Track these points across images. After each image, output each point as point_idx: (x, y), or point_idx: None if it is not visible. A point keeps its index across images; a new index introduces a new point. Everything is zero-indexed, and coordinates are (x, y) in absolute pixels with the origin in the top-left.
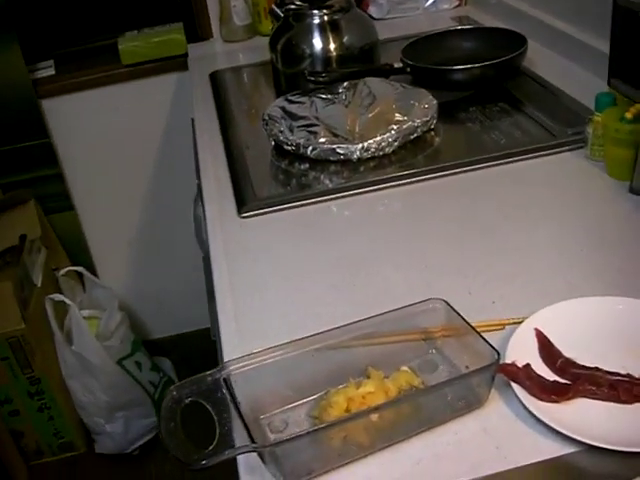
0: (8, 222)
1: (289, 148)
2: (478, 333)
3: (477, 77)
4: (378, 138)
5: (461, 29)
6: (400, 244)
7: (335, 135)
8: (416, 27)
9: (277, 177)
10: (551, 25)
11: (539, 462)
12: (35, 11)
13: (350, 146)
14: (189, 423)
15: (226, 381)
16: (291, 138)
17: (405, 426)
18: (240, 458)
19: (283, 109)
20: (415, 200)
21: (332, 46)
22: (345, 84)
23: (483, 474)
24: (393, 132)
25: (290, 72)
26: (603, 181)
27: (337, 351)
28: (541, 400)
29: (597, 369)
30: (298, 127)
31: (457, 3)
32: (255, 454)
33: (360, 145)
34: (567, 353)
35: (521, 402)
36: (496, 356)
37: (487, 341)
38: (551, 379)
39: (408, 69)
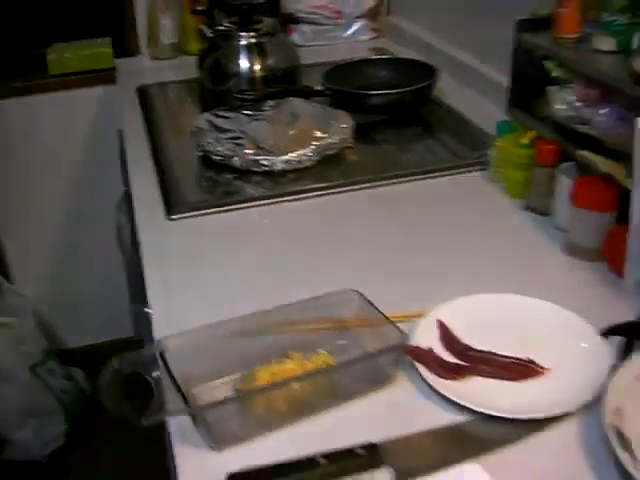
0: None
1: (216, 158)
2: (387, 318)
3: (392, 102)
4: (299, 152)
5: (378, 58)
6: (316, 247)
7: (259, 148)
8: (337, 54)
9: (204, 185)
10: (459, 59)
11: (439, 427)
12: None
13: (273, 158)
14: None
15: (162, 354)
16: (218, 149)
17: (322, 399)
18: (174, 431)
19: (210, 122)
20: (331, 209)
21: (257, 67)
22: (270, 102)
23: (392, 436)
24: (313, 147)
25: (217, 89)
26: (502, 199)
27: (261, 337)
28: (442, 378)
29: (491, 353)
30: (225, 139)
31: (375, 35)
32: (188, 422)
33: (282, 158)
34: (465, 341)
35: (424, 380)
36: (403, 338)
37: (396, 325)
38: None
39: (329, 92)
